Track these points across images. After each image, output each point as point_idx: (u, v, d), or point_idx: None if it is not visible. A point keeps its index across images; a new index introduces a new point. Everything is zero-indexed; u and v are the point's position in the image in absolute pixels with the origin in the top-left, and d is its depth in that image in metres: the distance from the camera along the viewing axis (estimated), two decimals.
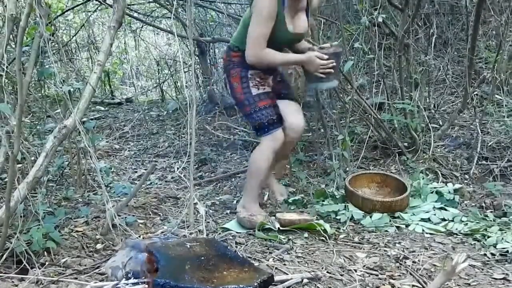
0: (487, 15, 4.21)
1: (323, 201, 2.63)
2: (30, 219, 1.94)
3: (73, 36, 6.01)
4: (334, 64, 2.30)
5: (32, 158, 2.32)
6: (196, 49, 5.38)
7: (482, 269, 1.81)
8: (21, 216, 1.86)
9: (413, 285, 1.65)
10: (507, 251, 1.93)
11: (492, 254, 1.94)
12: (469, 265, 1.83)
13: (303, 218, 2.23)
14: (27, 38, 2.63)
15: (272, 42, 2.24)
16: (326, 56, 2.29)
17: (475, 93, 3.68)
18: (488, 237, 2.08)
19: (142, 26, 5.94)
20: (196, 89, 5.33)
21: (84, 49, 6.83)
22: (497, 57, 3.20)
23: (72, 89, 2.46)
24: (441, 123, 3.61)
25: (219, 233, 2.21)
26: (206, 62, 5.69)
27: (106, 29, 2.18)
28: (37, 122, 3.29)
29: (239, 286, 1.26)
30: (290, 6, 2.26)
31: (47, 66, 2.65)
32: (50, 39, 2.20)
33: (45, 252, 1.91)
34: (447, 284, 1.66)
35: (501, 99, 3.49)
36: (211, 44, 5.43)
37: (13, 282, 1.65)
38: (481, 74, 3.95)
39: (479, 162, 3.04)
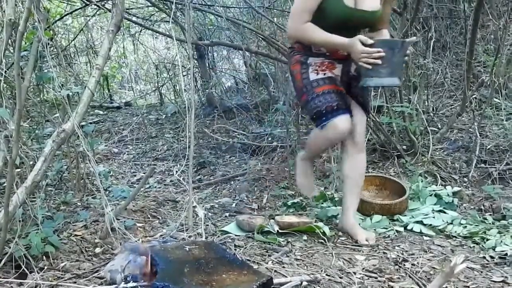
0: (486, 19, 4.22)
1: (322, 204, 2.63)
2: (29, 224, 1.94)
3: (71, 41, 6.02)
4: (382, 54, 1.86)
5: (31, 163, 2.32)
6: (195, 52, 5.39)
7: (481, 272, 1.81)
8: (19, 221, 1.85)
9: None
10: (506, 254, 1.93)
11: (491, 257, 1.94)
12: (468, 267, 1.83)
13: (302, 221, 2.23)
14: (25, 43, 2.63)
15: (329, 23, 1.94)
16: (371, 41, 1.87)
17: (473, 96, 3.69)
18: (487, 240, 2.08)
19: (141, 30, 5.95)
20: (195, 92, 5.35)
21: (83, 53, 6.84)
22: (495, 60, 3.22)
23: (70, 93, 2.46)
24: (440, 126, 3.62)
25: (218, 236, 2.21)
26: (205, 65, 5.70)
27: (105, 33, 2.18)
28: (35, 127, 3.28)
29: None
30: None
31: (45, 71, 2.65)
32: (48, 43, 2.20)
33: (44, 257, 1.90)
34: (446, 286, 1.67)
35: (499, 103, 3.50)
36: (209, 47, 5.44)
37: (11, 287, 1.64)
38: (480, 77, 3.97)
39: (478, 165, 3.05)
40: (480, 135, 3.18)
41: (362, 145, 2.14)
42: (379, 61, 1.86)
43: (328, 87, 2.00)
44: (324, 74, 2.03)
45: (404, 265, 1.86)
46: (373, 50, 1.86)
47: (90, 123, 4.37)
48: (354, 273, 1.78)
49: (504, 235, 2.10)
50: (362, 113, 2.12)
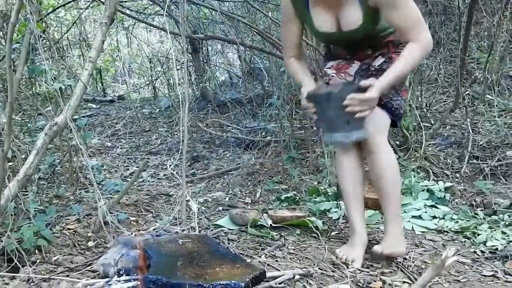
0: (480, 16, 4.25)
1: (316, 198, 2.64)
2: (21, 217, 1.93)
3: (64, 34, 5.97)
4: (312, 109, 1.79)
5: (23, 156, 2.30)
6: (189, 46, 5.37)
7: (472, 266, 1.83)
8: (11, 215, 1.84)
9: (404, 281, 1.67)
10: (497, 249, 1.95)
11: (482, 252, 1.96)
12: (459, 262, 1.85)
13: (295, 215, 2.23)
14: (17, 35, 2.61)
15: (323, 44, 2.07)
16: (305, 95, 1.82)
17: (466, 93, 3.71)
18: (478, 234, 2.10)
19: (135, 23, 5.92)
20: (189, 86, 5.33)
21: (76, 46, 6.80)
22: (488, 57, 3.24)
23: (63, 86, 2.44)
24: (432, 122, 3.64)
25: (212, 230, 2.21)
26: (199, 59, 5.68)
27: (98, 25, 2.16)
28: (28, 120, 3.26)
29: (231, 282, 1.27)
30: (315, 1, 1.81)
31: (38, 64, 2.63)
32: (41, 36, 2.18)
33: (36, 250, 1.89)
34: (437, 281, 1.68)
35: (492, 99, 3.52)
36: (204, 41, 5.42)
37: (3, 280, 1.63)
38: (473, 74, 3.99)
39: (470, 161, 3.07)
40: (472, 131, 3.20)
41: (373, 145, 1.82)
42: (314, 116, 1.83)
43: None
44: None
45: (396, 259, 1.87)
46: (307, 105, 1.83)
47: (83, 116, 4.34)
48: (347, 267, 1.79)
49: (495, 230, 2.13)
50: (375, 111, 1.79)
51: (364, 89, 1.68)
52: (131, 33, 6.33)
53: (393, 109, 1.88)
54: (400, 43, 1.84)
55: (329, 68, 2.00)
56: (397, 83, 1.80)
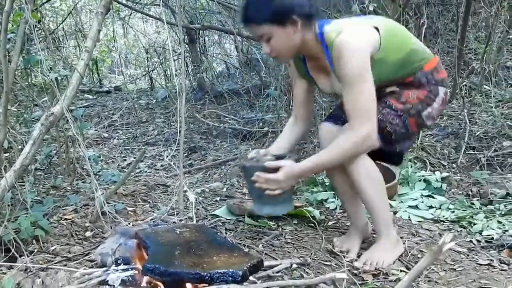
0: (477, 6, 4.23)
1: (313, 188, 2.64)
2: (18, 208, 1.93)
3: (60, 24, 5.92)
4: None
5: (19, 147, 2.30)
6: (186, 37, 5.34)
7: (468, 255, 1.84)
8: (8, 205, 1.84)
9: (401, 270, 1.68)
10: (492, 238, 1.96)
11: (478, 241, 1.98)
12: (455, 251, 1.87)
13: None
14: (12, 25, 2.59)
15: None
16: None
17: (464, 83, 3.71)
18: (474, 224, 2.12)
19: (131, 13, 5.87)
20: (186, 77, 5.31)
21: (72, 37, 6.75)
22: (486, 48, 3.23)
23: (59, 77, 2.43)
24: None
25: (209, 220, 2.21)
26: (196, 50, 5.65)
27: (94, 15, 2.14)
28: (24, 111, 3.24)
29: (229, 270, 1.27)
30: (310, 62, 1.83)
31: (33, 54, 2.61)
32: (36, 26, 2.16)
33: (34, 240, 1.89)
34: (433, 270, 1.70)
35: (489, 90, 3.53)
36: (201, 32, 5.39)
37: (1, 270, 1.64)
38: (470, 65, 3.99)
39: (467, 152, 3.08)
40: (469, 122, 3.20)
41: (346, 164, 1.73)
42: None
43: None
44: None
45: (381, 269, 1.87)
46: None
47: (80, 107, 4.33)
48: (344, 256, 1.80)
49: (491, 219, 2.14)
50: None
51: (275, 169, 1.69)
52: (127, 24, 6.28)
53: (384, 131, 1.71)
54: (421, 83, 1.73)
55: None
56: (317, 172, 1.73)
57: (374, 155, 1.74)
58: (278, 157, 1.86)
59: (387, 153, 1.80)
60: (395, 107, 1.72)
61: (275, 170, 1.68)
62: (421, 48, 1.75)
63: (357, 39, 1.59)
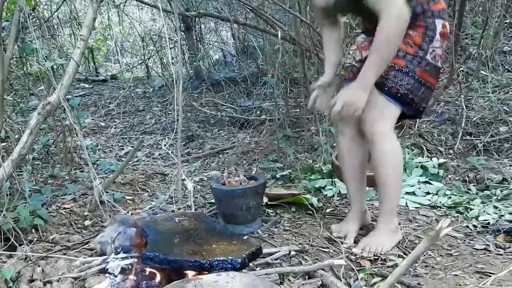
0: None
1: (311, 176, 2.65)
2: (16, 197, 1.93)
3: (54, 12, 5.85)
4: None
5: (16, 136, 2.29)
6: (182, 24, 5.30)
7: (464, 240, 1.86)
8: (7, 194, 1.84)
9: (398, 255, 1.69)
10: (488, 223, 1.98)
11: (474, 226, 1.99)
12: (452, 236, 1.88)
13: (290, 193, 2.25)
14: (6, 13, 2.56)
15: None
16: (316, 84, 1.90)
17: (460, 69, 3.70)
18: (471, 209, 2.13)
19: (126, 0, 5.81)
20: (183, 65, 5.27)
21: (66, 25, 6.67)
22: (483, 33, 3.22)
23: (55, 66, 2.41)
24: None
25: (207, 208, 2.22)
26: (192, 38, 5.61)
27: (89, 3, 2.12)
28: (20, 100, 3.23)
29: (228, 258, 1.28)
30: None
31: (28, 42, 2.59)
32: (30, 14, 2.14)
33: (33, 229, 1.90)
34: (430, 255, 1.71)
35: (486, 75, 3.52)
36: (197, 19, 5.34)
37: (1, 259, 1.65)
38: (467, 50, 3.98)
39: (463, 137, 3.09)
40: (466, 108, 3.21)
41: (370, 133, 1.70)
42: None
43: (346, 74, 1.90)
44: (349, 62, 1.88)
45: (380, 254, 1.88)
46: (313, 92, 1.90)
47: (76, 96, 4.31)
48: (341, 242, 1.82)
49: (487, 204, 2.15)
50: (373, 96, 1.67)
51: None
52: (123, 11, 6.22)
53: (398, 94, 1.67)
54: (416, 13, 1.63)
55: (356, 44, 1.87)
56: (378, 73, 1.62)
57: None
58: (250, 178, 2.01)
59: (411, 113, 1.74)
60: (398, 65, 1.66)
61: (243, 194, 1.82)
62: None
63: None
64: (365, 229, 1.93)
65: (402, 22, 1.56)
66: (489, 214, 2.06)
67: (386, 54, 1.60)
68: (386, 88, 1.67)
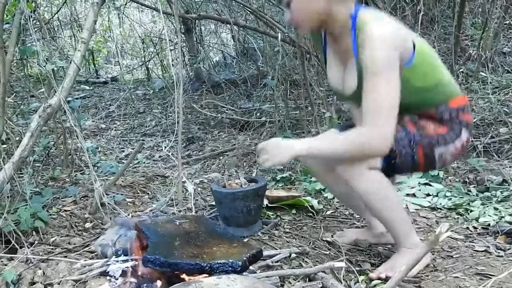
0: None
1: (311, 178, 2.65)
2: (17, 199, 1.93)
3: (55, 14, 5.86)
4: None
5: (17, 138, 2.29)
6: (182, 26, 5.30)
7: (465, 242, 1.86)
8: (8, 197, 1.84)
9: None
10: (489, 225, 1.98)
11: (474, 228, 2.00)
12: (452, 238, 1.88)
13: (291, 195, 2.25)
14: (7, 16, 2.56)
15: None
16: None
17: (460, 70, 3.70)
18: (471, 211, 2.14)
19: (126, 2, 5.81)
20: (183, 67, 5.28)
21: (67, 27, 6.68)
22: (482, 34, 3.22)
23: (56, 68, 2.42)
24: None
25: (208, 211, 2.23)
26: (192, 40, 5.62)
27: (90, 5, 2.13)
28: (20, 102, 3.23)
29: (229, 260, 1.28)
30: (329, 45, 1.64)
31: (29, 45, 2.60)
32: (31, 16, 2.14)
33: (34, 232, 1.90)
34: (431, 257, 1.71)
35: (486, 77, 3.52)
36: (197, 21, 5.35)
37: (2, 261, 1.65)
38: (467, 51, 3.98)
39: None
40: None
41: (344, 173, 1.54)
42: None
43: None
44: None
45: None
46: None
47: (77, 98, 4.31)
48: (342, 245, 1.82)
49: (487, 206, 2.16)
50: None
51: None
52: (123, 13, 6.22)
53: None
54: (443, 118, 1.54)
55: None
56: (311, 156, 1.54)
57: None
58: (251, 180, 2.01)
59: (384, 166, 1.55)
60: (409, 128, 1.53)
61: (244, 196, 1.80)
62: (451, 82, 1.59)
63: (395, 33, 1.41)
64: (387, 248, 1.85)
65: (375, 152, 1.44)
66: (489, 215, 2.06)
67: (343, 153, 1.45)
68: None
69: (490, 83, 3.47)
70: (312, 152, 1.48)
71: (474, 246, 1.82)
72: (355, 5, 1.51)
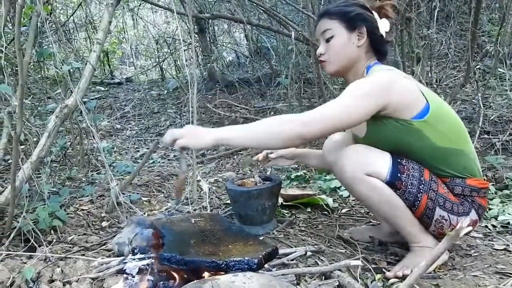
0: None
1: (326, 176, 2.64)
2: (35, 199, 1.96)
3: (70, 16, 5.94)
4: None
5: (35, 139, 2.33)
6: (196, 26, 5.33)
7: (483, 240, 1.83)
8: (26, 196, 1.87)
9: None
10: (508, 223, 1.95)
11: (493, 226, 1.96)
12: (471, 236, 1.85)
13: (305, 193, 2.24)
14: (24, 19, 2.60)
15: None
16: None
17: (477, 67, 3.65)
18: (490, 209, 2.10)
19: (140, 4, 5.87)
20: (196, 67, 5.30)
21: (82, 29, 6.77)
22: (500, 30, 3.17)
23: (72, 69, 2.45)
24: (443, 97, 3.59)
25: (223, 209, 2.23)
26: (206, 39, 5.64)
27: (104, 7, 2.15)
28: (37, 103, 3.28)
29: (245, 258, 1.28)
30: None
31: (45, 47, 2.63)
32: (47, 19, 2.17)
33: (52, 231, 1.93)
34: (449, 255, 1.69)
35: (503, 73, 3.46)
36: (210, 21, 5.37)
37: (21, 260, 1.67)
38: (484, 47, 3.91)
39: (481, 136, 3.04)
40: (483, 106, 3.15)
41: (347, 179, 1.56)
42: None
43: None
44: None
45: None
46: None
47: (92, 99, 4.36)
48: (358, 243, 1.80)
49: (507, 204, 2.12)
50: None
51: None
52: (137, 14, 6.29)
53: (399, 179, 1.48)
54: (454, 192, 1.52)
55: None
56: (234, 144, 1.45)
57: None
58: (265, 179, 2.01)
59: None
60: (425, 174, 1.50)
61: (259, 195, 1.80)
62: (475, 162, 1.57)
63: (393, 76, 1.45)
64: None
65: (291, 132, 1.36)
66: (509, 214, 2.02)
67: (258, 136, 1.39)
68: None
69: (508, 79, 3.41)
70: (231, 136, 1.40)
71: (493, 244, 1.79)
72: (376, 61, 1.62)
